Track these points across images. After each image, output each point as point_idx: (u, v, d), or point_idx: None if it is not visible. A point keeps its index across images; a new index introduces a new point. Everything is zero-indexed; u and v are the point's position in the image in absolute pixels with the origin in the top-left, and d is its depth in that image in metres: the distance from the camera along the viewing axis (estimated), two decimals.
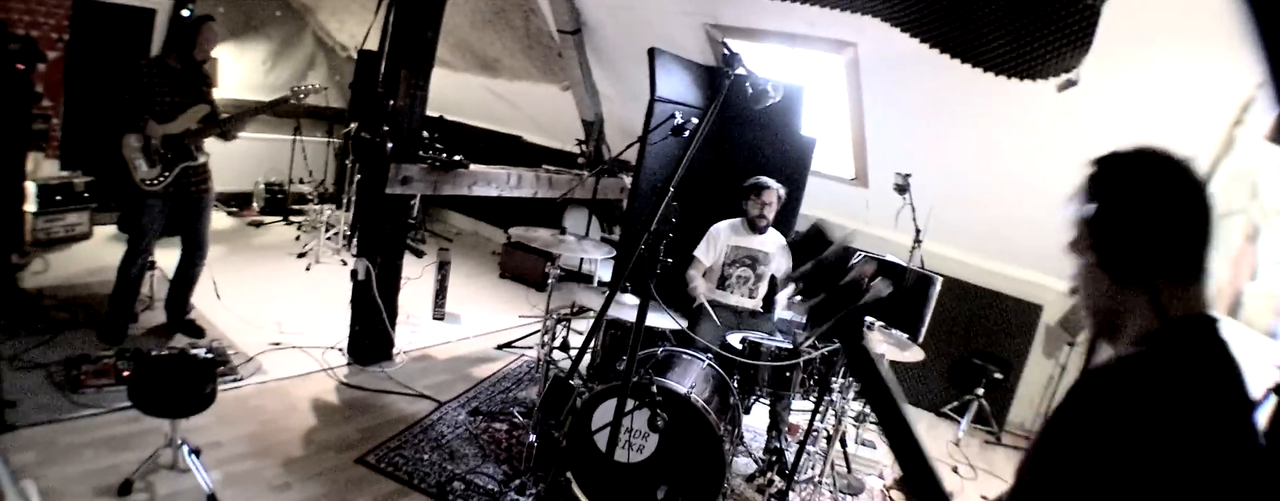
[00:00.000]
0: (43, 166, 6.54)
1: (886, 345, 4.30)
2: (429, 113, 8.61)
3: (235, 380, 4.65)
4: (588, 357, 5.50)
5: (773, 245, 5.07)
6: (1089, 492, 1.15)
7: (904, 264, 4.75)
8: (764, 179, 4.97)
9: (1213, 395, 1.20)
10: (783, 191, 5.02)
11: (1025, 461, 1.28)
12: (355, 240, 5.34)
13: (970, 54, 4.14)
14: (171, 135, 4.68)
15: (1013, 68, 3.98)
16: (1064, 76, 3.85)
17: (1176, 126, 4.01)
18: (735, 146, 5.87)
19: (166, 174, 4.69)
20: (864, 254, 1.23)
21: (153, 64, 4.70)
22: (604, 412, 3.76)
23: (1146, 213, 1.27)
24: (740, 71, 3.14)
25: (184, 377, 3.42)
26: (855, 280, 1.37)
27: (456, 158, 5.25)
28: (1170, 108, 4.00)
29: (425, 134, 5.14)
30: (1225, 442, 1.18)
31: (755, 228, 5.02)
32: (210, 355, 4.43)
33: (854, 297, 1.36)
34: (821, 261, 1.39)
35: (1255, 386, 1.26)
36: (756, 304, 5.06)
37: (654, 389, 3.64)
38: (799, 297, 1.42)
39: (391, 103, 4.82)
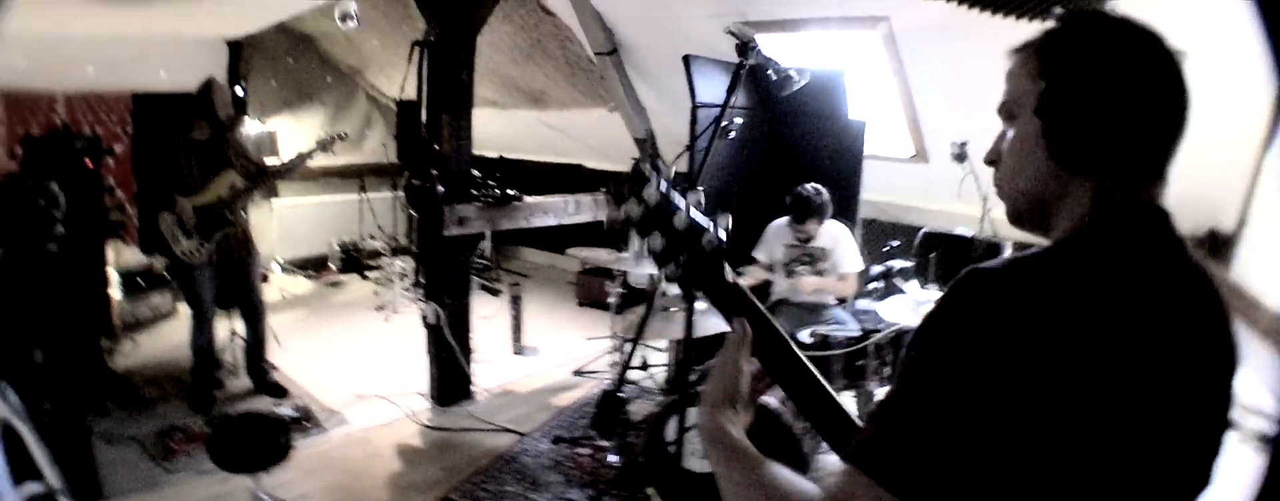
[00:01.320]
0: (124, 254, 6.77)
1: None
2: (488, 154, 8.77)
3: (320, 432, 4.71)
4: (664, 370, 5.46)
5: (830, 238, 4.92)
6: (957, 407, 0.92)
7: (970, 235, 4.60)
8: (810, 202, 4.74)
9: (1147, 308, 0.98)
10: (827, 208, 4.82)
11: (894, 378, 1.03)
12: (422, 286, 5.39)
13: (1003, 5, 3.99)
14: (204, 206, 4.77)
15: (1047, 7, 3.81)
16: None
17: (1233, 46, 3.79)
18: (785, 139, 5.77)
19: (205, 244, 4.78)
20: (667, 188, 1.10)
21: (178, 138, 4.80)
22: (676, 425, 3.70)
23: (1114, 90, 1.02)
24: (757, 60, 3.05)
25: (259, 433, 3.48)
26: (691, 221, 1.22)
27: (510, 192, 5.27)
28: (1223, 27, 3.78)
29: (476, 173, 5.18)
30: (1171, 350, 0.98)
31: (802, 238, 4.91)
32: (292, 412, 4.52)
33: (694, 238, 1.22)
34: (644, 200, 1.22)
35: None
36: (824, 298, 4.94)
37: None
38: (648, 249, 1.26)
39: (437, 147, 4.86)
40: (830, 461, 4.39)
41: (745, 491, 1.12)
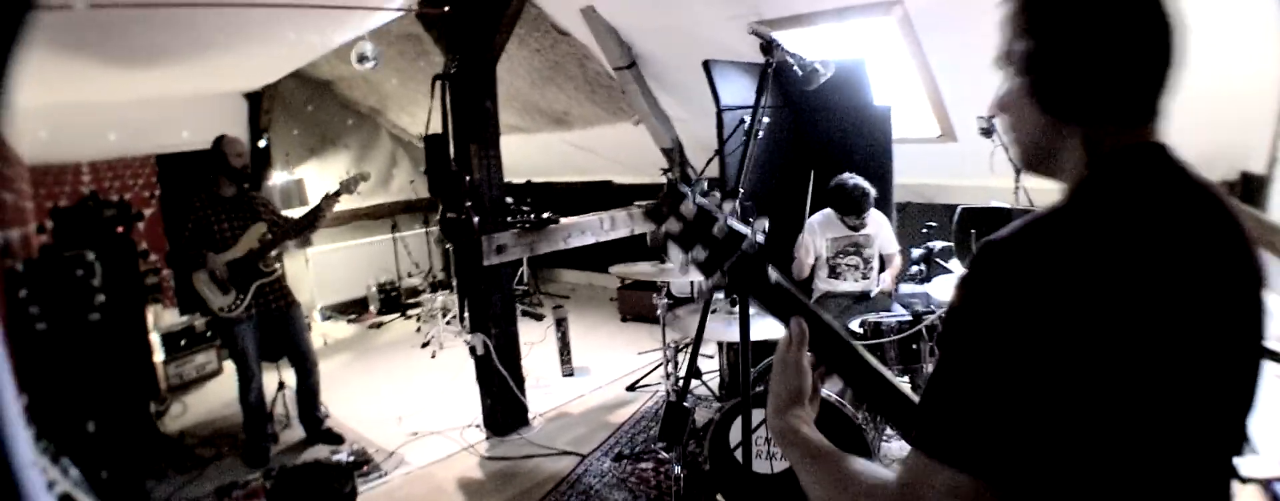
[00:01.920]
0: (164, 317, 6.80)
1: None
2: (516, 180, 8.76)
3: (381, 476, 4.67)
4: (717, 378, 5.40)
5: (872, 226, 4.92)
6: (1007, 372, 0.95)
7: (1007, 206, 4.54)
8: (858, 194, 4.75)
9: (1159, 238, 1.00)
10: (873, 195, 4.84)
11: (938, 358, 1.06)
12: (467, 318, 5.35)
13: None
14: (236, 260, 4.75)
15: None
16: None
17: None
18: (815, 136, 5.70)
19: (242, 298, 4.75)
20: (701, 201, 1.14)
21: (205, 196, 4.81)
22: (739, 429, 3.64)
23: (1095, 37, 1.03)
24: (781, 57, 3.00)
25: (321, 483, 3.44)
26: (728, 228, 1.27)
27: (545, 215, 5.24)
28: None
29: (509, 199, 5.15)
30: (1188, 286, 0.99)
31: (853, 228, 4.88)
32: (350, 458, 4.48)
33: (735, 244, 1.26)
34: (681, 215, 1.27)
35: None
36: (871, 284, 4.91)
37: None
38: (681, 256, 1.30)
39: (468, 178, 4.84)
40: (894, 449, 4.31)
41: (826, 485, 1.15)
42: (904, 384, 1.26)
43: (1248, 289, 1.07)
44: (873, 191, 4.80)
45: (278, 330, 5.02)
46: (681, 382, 3.11)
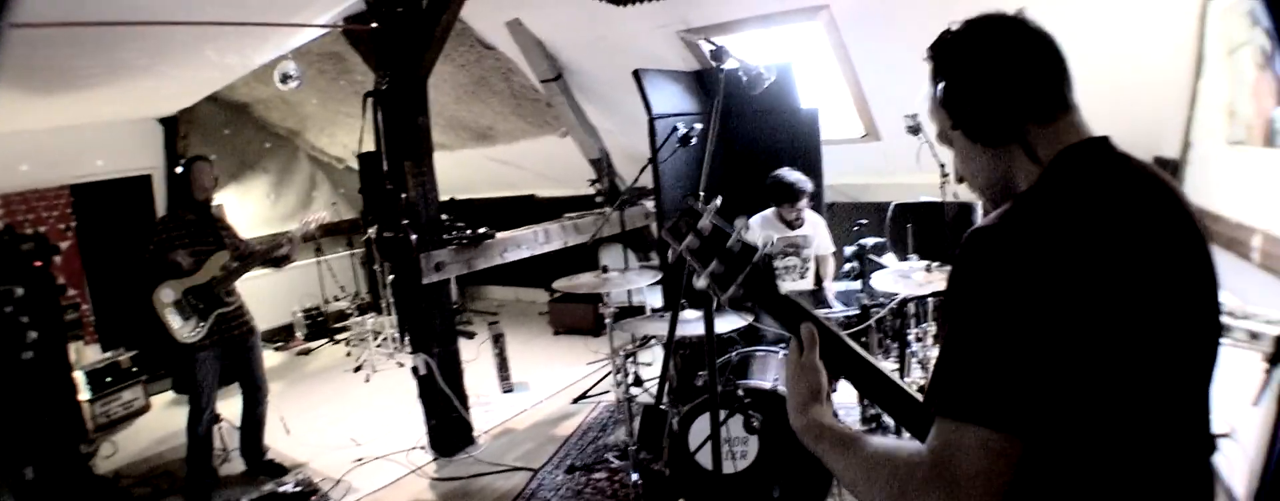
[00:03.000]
0: (85, 353, 6.55)
1: (942, 283, 4.16)
2: (441, 197, 8.66)
3: None
4: (661, 385, 5.42)
5: (810, 226, 5.01)
6: (1016, 346, 1.06)
7: (937, 201, 4.68)
8: (797, 184, 4.83)
9: (1117, 201, 1.16)
10: (810, 185, 4.92)
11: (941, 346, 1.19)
12: (407, 339, 5.28)
13: None
14: (198, 286, 4.64)
15: None
16: None
17: None
18: (742, 140, 5.78)
19: (202, 324, 4.63)
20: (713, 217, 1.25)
21: (168, 219, 4.70)
22: (697, 431, 3.68)
23: (987, 68, 1.23)
24: (732, 64, 3.07)
25: None
26: (741, 241, 1.38)
27: (481, 230, 5.21)
28: None
29: (445, 216, 5.11)
30: (1151, 252, 1.15)
31: (791, 226, 4.95)
32: (297, 488, 4.37)
33: (747, 256, 1.36)
34: (699, 231, 1.39)
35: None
36: (810, 284, 5.00)
37: (739, 392, 3.54)
38: (695, 271, 1.42)
39: (403, 197, 4.78)
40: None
41: (861, 467, 1.22)
42: (900, 379, 1.36)
43: (1201, 248, 1.22)
44: (810, 184, 4.89)
45: (236, 358, 4.88)
46: (660, 384, 3.12)
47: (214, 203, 7.30)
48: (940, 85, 1.28)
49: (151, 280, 4.58)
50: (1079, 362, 1.06)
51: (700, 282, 1.41)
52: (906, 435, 1.28)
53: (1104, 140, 1.24)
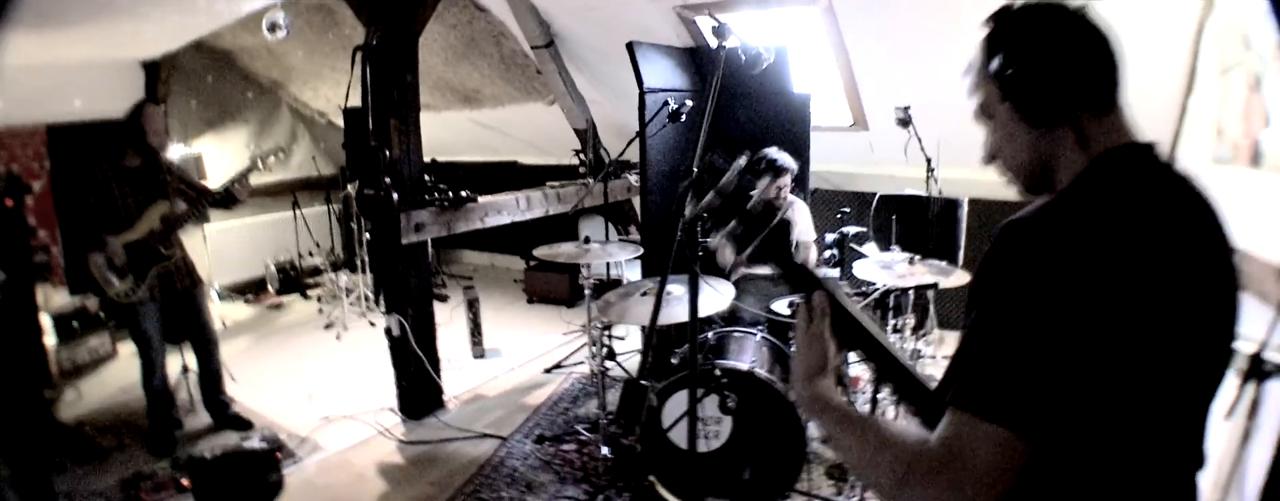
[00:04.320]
0: (53, 297, 6.45)
1: (930, 275, 4.16)
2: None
3: (294, 462, 4.53)
4: (638, 359, 5.43)
5: (791, 210, 4.96)
6: (1043, 347, 1.07)
7: (922, 194, 4.68)
8: (780, 160, 4.79)
9: (1162, 214, 1.16)
10: (795, 165, 4.88)
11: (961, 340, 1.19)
12: (381, 298, 5.23)
13: None
14: (134, 242, 4.49)
15: None
16: None
17: None
18: (733, 120, 5.75)
19: (139, 283, 4.50)
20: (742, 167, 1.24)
21: (108, 166, 4.49)
22: (671, 409, 3.68)
23: (1053, 48, 1.22)
24: (733, 42, 3.03)
25: (245, 473, 3.32)
26: (763, 201, 1.36)
27: (463, 193, 5.16)
28: None
29: (428, 177, 5.05)
30: (1188, 263, 1.16)
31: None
32: (262, 443, 4.33)
33: (768, 217, 1.35)
34: (721, 190, 1.37)
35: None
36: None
37: (716, 371, 3.54)
38: (712, 230, 1.41)
39: (387, 154, 4.72)
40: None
41: (865, 447, 1.21)
42: (909, 361, 1.35)
43: (1229, 268, 1.22)
44: (795, 164, 4.85)
45: (180, 312, 4.79)
46: (642, 358, 3.11)
47: (188, 152, 7.22)
48: (998, 57, 1.26)
49: (87, 235, 4.44)
50: (1101, 372, 1.07)
51: (714, 241, 1.40)
52: (904, 417, 1.29)
53: (1150, 147, 1.25)
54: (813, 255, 5.03)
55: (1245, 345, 2.56)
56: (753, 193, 1.36)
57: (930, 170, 4.75)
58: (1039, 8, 1.25)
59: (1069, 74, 1.22)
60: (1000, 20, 1.27)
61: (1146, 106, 4.07)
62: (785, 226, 1.36)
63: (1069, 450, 1.10)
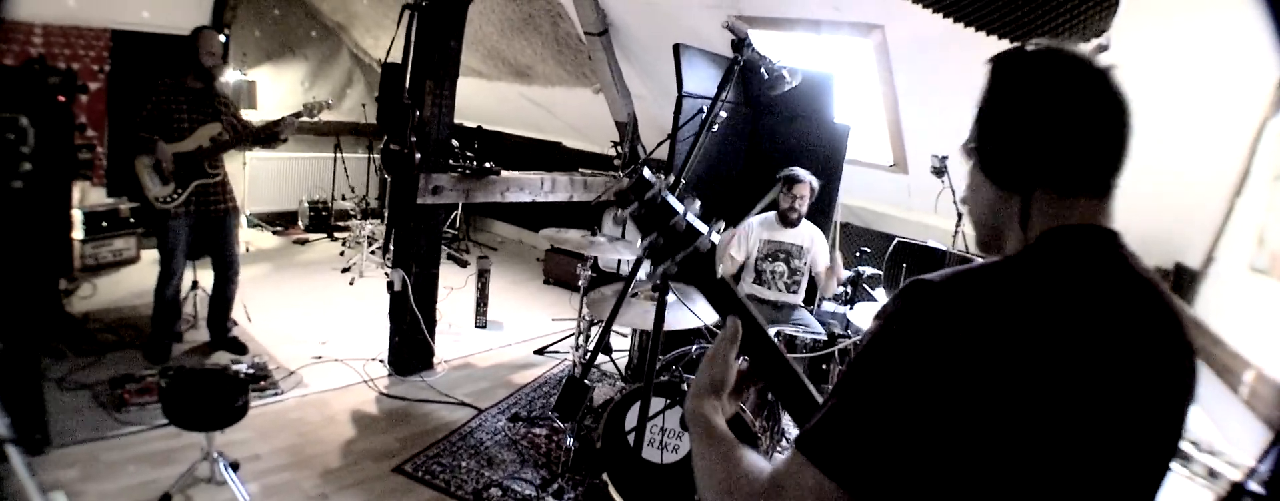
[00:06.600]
0: (89, 194, 6.67)
1: None
2: (467, 123, 8.69)
3: (275, 394, 4.68)
4: (626, 358, 5.47)
5: (807, 237, 4.97)
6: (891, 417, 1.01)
7: (942, 248, 4.66)
8: (796, 171, 4.84)
9: (1078, 308, 1.04)
10: (815, 183, 4.89)
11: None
12: (389, 251, 5.34)
13: (999, 27, 4.02)
14: (183, 153, 4.71)
15: (1043, 37, 3.83)
16: (1095, 41, 3.70)
17: (1216, 85, 3.83)
18: (768, 137, 5.78)
19: (179, 192, 4.72)
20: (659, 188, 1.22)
21: (171, 84, 4.75)
22: (635, 415, 3.72)
23: (1028, 108, 1.11)
24: (751, 56, 3.04)
25: (215, 392, 3.43)
26: (687, 222, 1.33)
27: (487, 164, 5.23)
28: (1208, 66, 3.81)
29: (455, 143, 5.14)
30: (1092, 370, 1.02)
31: (787, 221, 4.90)
32: (249, 370, 4.47)
33: (691, 237, 1.31)
34: (647, 202, 1.33)
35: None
36: (795, 299, 4.97)
37: (685, 386, 3.56)
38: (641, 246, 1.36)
39: (418, 113, 4.81)
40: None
41: (713, 467, 1.21)
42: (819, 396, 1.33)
43: (1170, 391, 1.10)
44: (816, 182, 4.87)
45: (210, 232, 4.98)
46: (589, 357, 3.15)
47: (244, 77, 7.37)
48: (982, 101, 1.15)
49: (140, 139, 4.67)
50: (955, 459, 1.00)
51: (638, 249, 1.40)
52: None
53: (1111, 234, 1.12)
54: (834, 284, 4.96)
55: (1230, 470, 2.53)
56: (677, 212, 1.33)
57: (958, 225, 4.75)
58: (1045, 57, 1.13)
59: (1035, 141, 1.09)
60: (1001, 61, 1.16)
61: (1192, 198, 4.00)
62: (712, 250, 1.33)
63: None
